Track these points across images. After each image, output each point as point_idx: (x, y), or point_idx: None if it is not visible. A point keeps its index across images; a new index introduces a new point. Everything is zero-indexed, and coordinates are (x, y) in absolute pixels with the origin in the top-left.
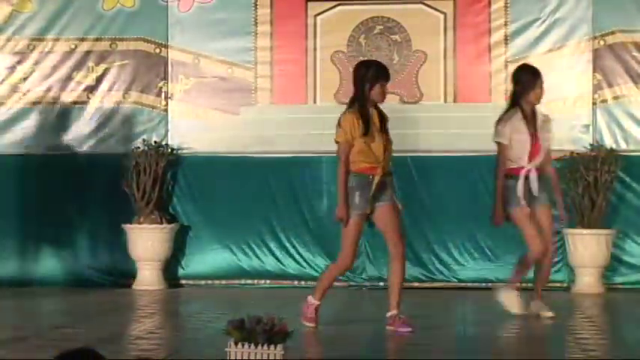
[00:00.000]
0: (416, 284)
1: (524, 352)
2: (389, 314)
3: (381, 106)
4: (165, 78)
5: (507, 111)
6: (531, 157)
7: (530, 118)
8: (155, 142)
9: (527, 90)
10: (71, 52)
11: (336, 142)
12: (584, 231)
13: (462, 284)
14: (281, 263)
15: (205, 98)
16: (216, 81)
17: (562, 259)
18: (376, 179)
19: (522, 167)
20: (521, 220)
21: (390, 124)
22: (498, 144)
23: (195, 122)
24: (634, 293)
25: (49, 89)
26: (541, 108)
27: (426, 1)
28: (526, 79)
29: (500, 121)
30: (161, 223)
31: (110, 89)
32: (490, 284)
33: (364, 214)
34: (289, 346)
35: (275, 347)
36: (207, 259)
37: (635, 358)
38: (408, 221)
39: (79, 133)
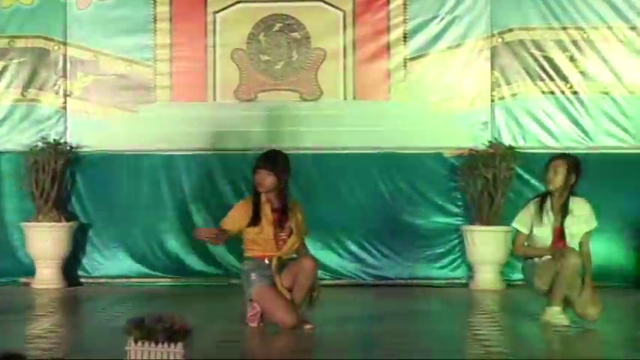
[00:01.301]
0: None
1: (423, 348)
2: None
3: (281, 104)
4: (64, 75)
5: (536, 197)
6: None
7: (559, 208)
8: (54, 140)
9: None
10: None
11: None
12: (483, 228)
13: (362, 281)
14: (181, 261)
15: (104, 96)
16: (115, 78)
17: (461, 255)
18: (274, 262)
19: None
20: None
21: (290, 121)
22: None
23: (94, 120)
24: (519, 289)
25: None
26: (440, 106)
27: None
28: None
29: (525, 208)
30: (60, 221)
31: (8, 87)
32: (389, 281)
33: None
34: (189, 345)
35: (175, 346)
36: (107, 257)
37: (532, 352)
38: (309, 218)
39: None
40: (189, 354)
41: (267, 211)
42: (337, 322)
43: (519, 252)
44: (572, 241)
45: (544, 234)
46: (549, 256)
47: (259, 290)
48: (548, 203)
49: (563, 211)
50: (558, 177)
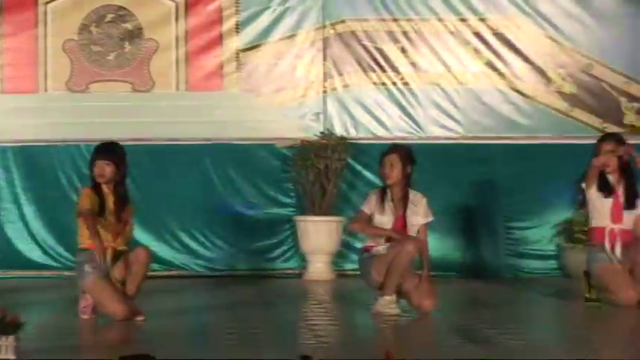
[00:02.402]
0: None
1: (256, 339)
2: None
3: (113, 95)
4: None
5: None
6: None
7: (399, 199)
8: None
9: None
10: None
11: (78, 217)
12: (316, 218)
13: (194, 272)
14: (14, 252)
15: None
16: None
17: (293, 246)
18: (109, 253)
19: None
20: None
21: (122, 112)
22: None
23: None
24: (351, 279)
25: None
26: (273, 97)
27: None
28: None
29: (368, 197)
30: None
31: None
32: (222, 272)
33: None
34: (21, 337)
35: (7, 339)
36: None
37: (364, 341)
38: (142, 209)
39: None
40: (19, 347)
41: (110, 202)
42: (170, 314)
43: (355, 226)
44: (412, 229)
45: (385, 222)
46: (387, 247)
47: (91, 282)
48: (388, 195)
49: (404, 201)
50: (395, 171)
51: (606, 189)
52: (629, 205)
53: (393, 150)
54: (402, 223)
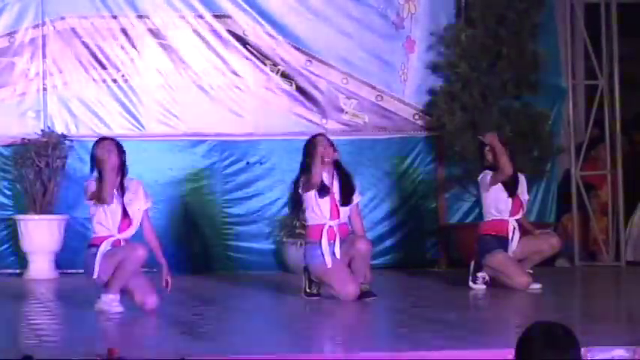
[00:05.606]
0: None
1: None
2: None
3: None
4: None
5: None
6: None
7: (119, 187)
8: None
9: None
10: None
11: None
12: (36, 217)
13: None
14: None
15: None
16: None
17: (13, 245)
18: None
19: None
20: None
21: None
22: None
23: None
24: (75, 278)
25: None
26: None
27: None
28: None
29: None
30: None
31: None
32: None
33: None
34: None
35: None
36: None
37: (86, 339)
38: None
39: None
40: None
41: None
42: None
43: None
44: (135, 221)
45: (113, 214)
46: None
47: None
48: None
49: (122, 189)
50: (112, 158)
51: (323, 190)
52: (345, 201)
53: (108, 139)
54: (124, 213)
